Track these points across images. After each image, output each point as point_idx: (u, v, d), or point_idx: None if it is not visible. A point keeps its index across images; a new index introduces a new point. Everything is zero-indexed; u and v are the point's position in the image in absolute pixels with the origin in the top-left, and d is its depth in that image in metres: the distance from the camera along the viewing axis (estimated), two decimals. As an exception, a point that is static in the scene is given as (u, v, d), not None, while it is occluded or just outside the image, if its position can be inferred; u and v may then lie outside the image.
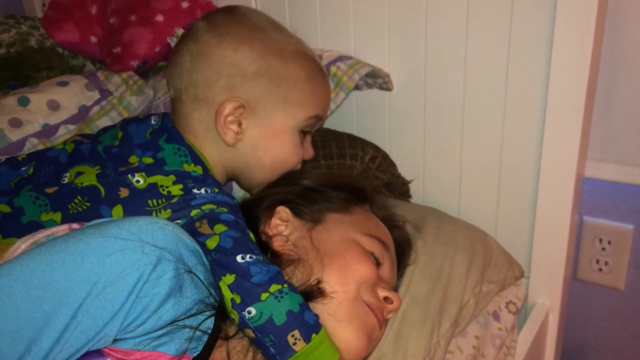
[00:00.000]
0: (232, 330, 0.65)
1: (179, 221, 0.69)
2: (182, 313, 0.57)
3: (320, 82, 0.82)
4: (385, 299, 0.73)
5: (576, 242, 1.16)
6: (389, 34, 1.03)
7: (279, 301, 0.64)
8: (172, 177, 0.71)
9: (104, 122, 0.98)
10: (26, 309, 0.50)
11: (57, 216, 0.69)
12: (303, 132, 0.82)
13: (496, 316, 0.89)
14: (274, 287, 0.65)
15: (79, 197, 0.70)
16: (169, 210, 0.69)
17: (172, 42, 1.06)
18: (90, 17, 1.09)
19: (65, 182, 0.72)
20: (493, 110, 0.98)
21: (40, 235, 0.63)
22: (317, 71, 0.82)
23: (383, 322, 0.74)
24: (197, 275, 0.59)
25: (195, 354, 0.59)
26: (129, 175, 0.70)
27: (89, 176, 0.71)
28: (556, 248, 1.00)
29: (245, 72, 0.75)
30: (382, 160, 1.02)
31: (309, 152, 0.85)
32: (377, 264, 0.75)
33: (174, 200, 0.69)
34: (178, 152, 0.74)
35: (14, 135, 0.92)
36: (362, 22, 1.05)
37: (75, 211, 0.69)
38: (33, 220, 0.70)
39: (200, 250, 0.62)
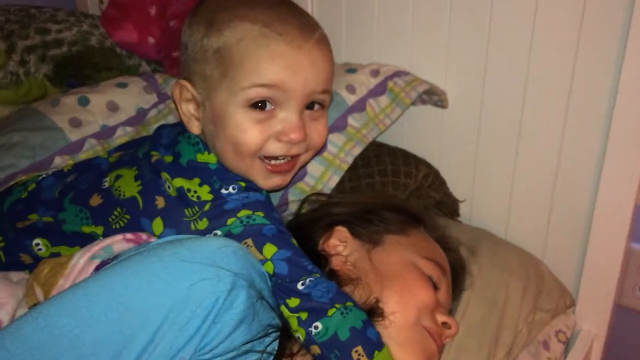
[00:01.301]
0: (295, 348, 0.66)
1: (218, 232, 0.68)
2: (252, 337, 0.58)
3: (256, 45, 0.67)
4: (444, 324, 0.73)
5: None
6: (448, 51, 1.02)
7: (344, 317, 0.65)
8: (197, 180, 0.70)
9: (161, 126, 0.99)
10: (104, 331, 0.51)
11: (99, 229, 0.70)
12: (257, 106, 0.68)
13: (546, 345, 0.88)
14: (338, 304, 0.65)
15: (118, 209, 0.70)
16: (205, 220, 0.68)
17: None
18: (149, 18, 1.10)
19: (105, 186, 0.72)
20: (551, 134, 0.97)
21: (96, 247, 0.63)
22: (253, 32, 0.67)
23: (441, 346, 0.74)
24: (267, 300, 0.59)
25: None
26: (161, 176, 0.70)
27: (128, 180, 0.72)
28: (607, 276, 0.99)
29: (182, 51, 0.72)
30: (434, 178, 1.01)
31: (287, 129, 0.69)
32: (435, 287, 0.75)
33: (207, 207, 0.68)
34: (189, 140, 0.73)
35: (74, 135, 0.92)
36: (420, 37, 1.04)
37: (117, 226, 0.70)
38: (75, 231, 0.71)
39: (267, 274, 0.63)
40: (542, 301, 0.89)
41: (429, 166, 1.02)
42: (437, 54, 1.03)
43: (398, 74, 1.02)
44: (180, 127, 0.76)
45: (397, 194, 0.93)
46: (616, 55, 0.86)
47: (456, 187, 1.10)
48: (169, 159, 0.72)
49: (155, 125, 0.98)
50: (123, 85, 1.00)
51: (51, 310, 0.52)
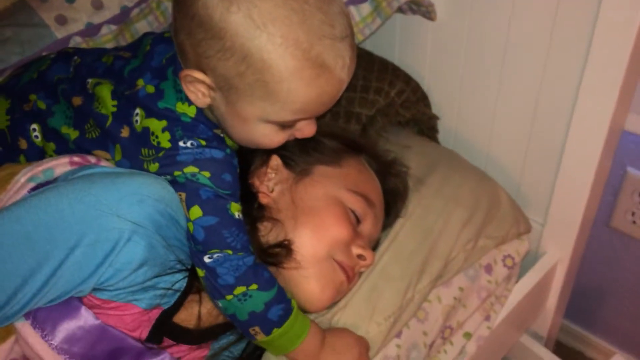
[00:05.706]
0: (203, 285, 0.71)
1: (168, 177, 0.69)
2: (156, 275, 0.65)
3: (309, 84, 0.63)
4: (359, 256, 0.75)
5: (614, 192, 1.13)
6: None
7: (242, 303, 0.68)
8: (164, 123, 0.68)
9: (142, 25, 1.00)
10: (12, 262, 0.59)
11: (75, 134, 0.73)
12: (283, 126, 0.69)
13: (489, 269, 0.90)
14: (238, 290, 0.68)
15: (91, 121, 0.72)
16: (157, 164, 0.69)
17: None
18: None
19: (87, 88, 0.74)
20: (536, 51, 0.92)
21: (39, 168, 0.68)
22: (311, 67, 0.62)
23: (353, 277, 0.76)
24: (177, 246, 0.66)
25: (166, 307, 0.68)
26: (135, 108, 0.70)
27: (105, 91, 0.72)
28: (576, 199, 0.97)
29: (223, 44, 0.61)
30: (410, 94, 0.99)
31: (306, 132, 0.70)
32: (358, 221, 0.76)
33: (161, 154, 0.69)
34: (176, 86, 0.69)
35: (60, 33, 0.96)
36: (414, -62, 0.97)
37: (90, 136, 0.73)
38: (55, 128, 0.74)
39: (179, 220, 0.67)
40: (491, 229, 0.89)
41: (406, 81, 0.99)
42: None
43: (383, -20, 0.96)
44: (173, 49, 0.70)
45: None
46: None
47: (441, 104, 1.08)
48: (150, 89, 0.69)
49: (137, 25, 1.01)
50: (107, -18, 1.00)
51: None
